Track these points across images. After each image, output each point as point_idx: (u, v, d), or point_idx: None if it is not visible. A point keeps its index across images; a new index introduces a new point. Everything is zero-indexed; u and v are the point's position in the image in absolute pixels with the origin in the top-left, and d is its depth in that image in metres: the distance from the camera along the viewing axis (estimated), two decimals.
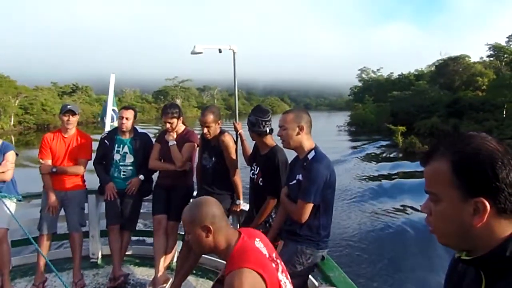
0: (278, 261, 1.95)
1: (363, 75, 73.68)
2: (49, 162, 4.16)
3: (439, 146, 1.02)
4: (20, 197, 4.17)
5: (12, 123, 45.94)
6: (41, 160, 4.16)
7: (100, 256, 4.83)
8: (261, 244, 1.92)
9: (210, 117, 3.75)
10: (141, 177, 4.25)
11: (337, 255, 8.72)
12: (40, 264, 4.12)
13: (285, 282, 1.87)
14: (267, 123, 3.38)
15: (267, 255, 1.88)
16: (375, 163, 24.77)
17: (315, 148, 2.79)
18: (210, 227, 1.83)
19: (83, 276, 4.26)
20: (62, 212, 4.28)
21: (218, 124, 3.80)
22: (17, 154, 4.15)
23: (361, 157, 27.31)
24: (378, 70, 72.23)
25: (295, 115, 2.80)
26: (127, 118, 4.23)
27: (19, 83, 50.82)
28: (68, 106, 4.26)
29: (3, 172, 3.96)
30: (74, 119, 4.20)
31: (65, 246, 5.18)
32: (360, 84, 73.30)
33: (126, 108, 4.33)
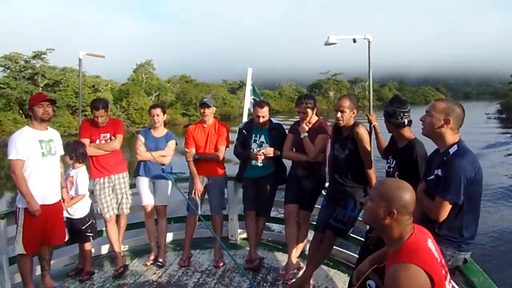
0: (447, 268, 1.80)
1: None
2: (193, 150, 4.61)
3: None
4: (174, 180, 4.75)
5: None
6: (186, 149, 4.63)
7: (238, 238, 5.20)
8: (433, 246, 1.78)
9: (346, 102, 3.67)
10: (278, 152, 4.35)
11: (482, 259, 7.89)
12: (187, 242, 4.61)
13: None
14: (406, 114, 3.22)
15: (438, 259, 1.75)
16: None
17: (459, 142, 2.56)
18: (394, 212, 1.76)
19: (223, 255, 4.64)
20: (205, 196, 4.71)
21: (354, 113, 3.71)
22: (176, 143, 4.76)
23: (507, 150, 24.07)
24: None
25: (447, 105, 2.57)
26: (263, 117, 4.42)
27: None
28: (204, 100, 4.66)
29: (164, 156, 4.58)
30: (209, 111, 4.57)
31: (204, 227, 5.66)
32: None
33: (261, 106, 4.45)
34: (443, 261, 1.80)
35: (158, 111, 4.68)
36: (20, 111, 38.15)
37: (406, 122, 3.21)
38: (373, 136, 3.84)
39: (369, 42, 4.13)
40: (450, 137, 2.56)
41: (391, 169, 3.29)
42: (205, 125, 4.64)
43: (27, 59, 42.42)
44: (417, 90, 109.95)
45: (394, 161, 3.26)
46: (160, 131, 4.74)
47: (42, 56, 42.42)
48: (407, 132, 3.24)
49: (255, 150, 4.40)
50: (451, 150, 2.53)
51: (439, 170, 2.54)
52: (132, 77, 58.22)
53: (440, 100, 2.67)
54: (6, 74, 41.18)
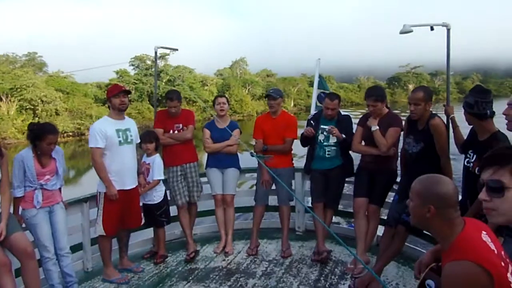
0: (508, 260, 1.67)
1: None
2: (261, 141, 4.65)
3: None
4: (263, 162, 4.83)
5: (292, 105, 64.52)
6: (254, 140, 4.68)
7: (304, 230, 5.19)
8: (488, 238, 1.67)
9: (420, 94, 3.52)
10: (343, 135, 4.28)
11: None
12: (255, 231, 4.69)
13: None
14: (488, 104, 3.01)
15: (495, 251, 1.63)
16: None
17: None
18: (431, 207, 1.66)
19: (290, 246, 4.66)
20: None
21: (429, 105, 3.55)
22: (240, 132, 4.84)
23: None
24: None
25: None
26: (332, 109, 4.37)
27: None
28: (270, 91, 4.70)
29: (231, 146, 4.69)
30: (275, 102, 4.60)
31: (271, 218, 5.69)
32: None
33: (331, 98, 4.41)
34: (502, 252, 1.67)
35: (224, 99, 4.86)
36: (149, 102, 44.97)
37: (488, 113, 3.00)
38: (450, 129, 3.64)
39: (448, 29, 3.90)
40: None
41: (471, 164, 3.10)
42: (274, 116, 4.67)
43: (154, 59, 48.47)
44: (503, 83, 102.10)
45: (475, 156, 3.07)
46: (224, 121, 4.80)
47: (166, 57, 49.08)
48: (490, 124, 3.04)
49: (322, 140, 4.38)
50: None
51: None
52: (220, 71, 64.46)
53: None
54: (136, 72, 49.14)
